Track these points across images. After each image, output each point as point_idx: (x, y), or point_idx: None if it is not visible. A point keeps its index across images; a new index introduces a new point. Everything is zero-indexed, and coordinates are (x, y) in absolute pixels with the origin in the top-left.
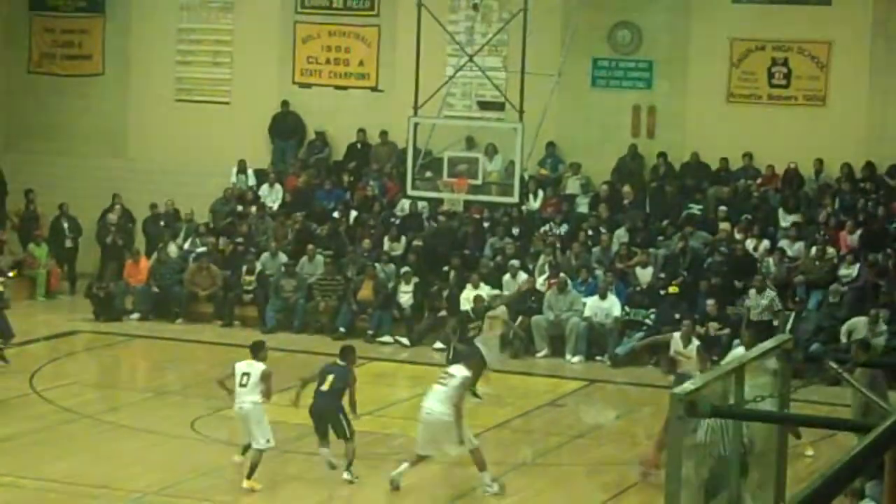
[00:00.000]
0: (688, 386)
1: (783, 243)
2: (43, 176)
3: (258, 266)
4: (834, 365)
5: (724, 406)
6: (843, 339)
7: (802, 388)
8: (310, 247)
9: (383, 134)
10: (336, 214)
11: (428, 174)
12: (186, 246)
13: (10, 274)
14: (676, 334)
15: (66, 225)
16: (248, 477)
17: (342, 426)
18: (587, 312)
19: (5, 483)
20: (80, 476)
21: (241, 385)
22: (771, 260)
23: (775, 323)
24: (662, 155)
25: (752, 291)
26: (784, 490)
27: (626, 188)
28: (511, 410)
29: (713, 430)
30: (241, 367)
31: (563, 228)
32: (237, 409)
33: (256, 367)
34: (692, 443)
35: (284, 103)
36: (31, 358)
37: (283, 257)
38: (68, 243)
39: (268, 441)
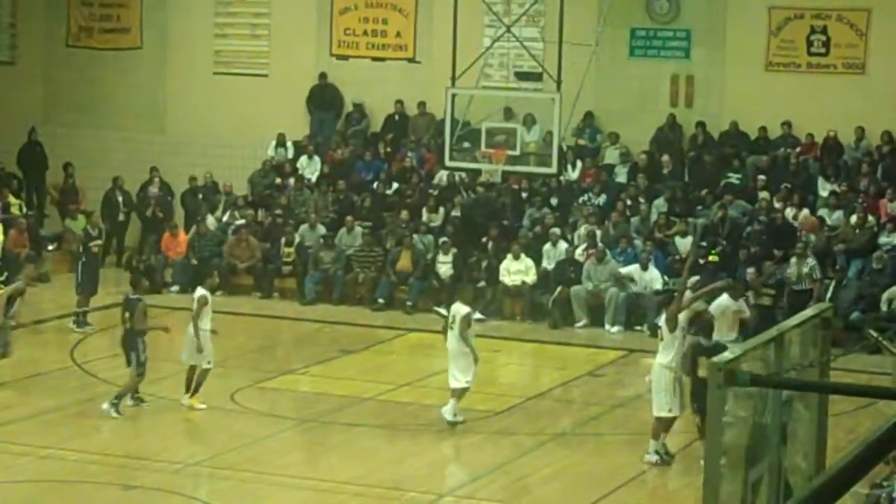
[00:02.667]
0: (727, 355)
1: (822, 212)
2: (82, 150)
3: (297, 238)
4: (874, 333)
5: (763, 375)
6: (884, 308)
7: (843, 356)
8: (349, 218)
9: (421, 105)
10: (375, 186)
11: (466, 145)
12: (225, 218)
13: (51, 248)
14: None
15: (119, 198)
16: (192, 395)
17: (129, 357)
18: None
19: (47, 455)
20: (120, 448)
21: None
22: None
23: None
24: (701, 124)
25: (794, 259)
26: (825, 458)
27: (665, 157)
28: (551, 380)
29: (755, 399)
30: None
31: (602, 199)
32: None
33: (197, 293)
34: (734, 412)
35: (322, 75)
36: (70, 331)
37: (321, 229)
38: (121, 216)
39: (209, 362)
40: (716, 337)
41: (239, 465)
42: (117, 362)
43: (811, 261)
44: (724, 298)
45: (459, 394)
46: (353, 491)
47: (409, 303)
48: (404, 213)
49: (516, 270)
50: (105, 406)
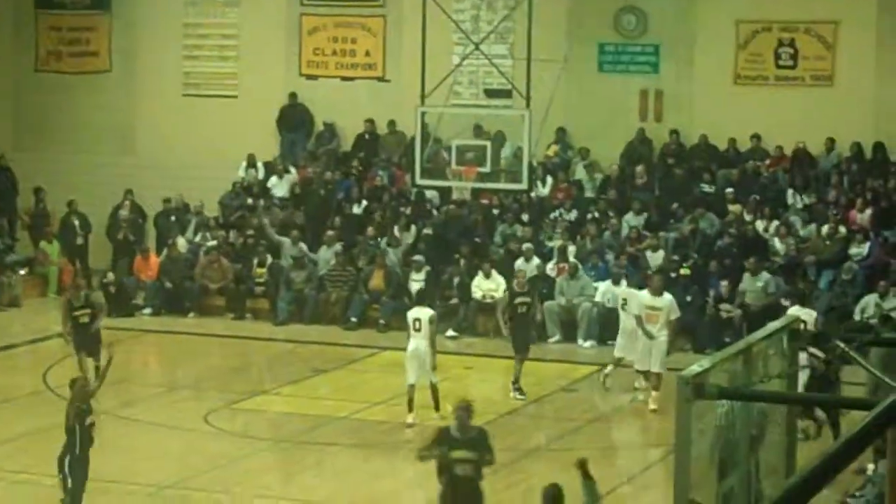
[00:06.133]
0: (695, 368)
1: (793, 222)
2: (53, 174)
3: (269, 259)
4: (841, 344)
5: (731, 388)
6: (857, 317)
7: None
8: (329, 233)
9: (391, 124)
10: (345, 205)
11: (436, 163)
12: (197, 239)
13: (22, 272)
14: (643, 291)
15: (76, 222)
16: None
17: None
18: (598, 297)
19: (22, 480)
20: (95, 471)
21: None
22: (777, 240)
23: (786, 303)
24: (675, 133)
25: (747, 275)
26: (794, 467)
27: (640, 168)
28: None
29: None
30: None
31: (573, 214)
32: None
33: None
34: (705, 424)
35: (292, 95)
36: (44, 355)
37: (303, 246)
38: (79, 240)
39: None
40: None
41: (213, 487)
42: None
43: (765, 275)
44: (643, 294)
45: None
46: None
47: (381, 321)
48: (372, 230)
49: (487, 289)
50: None
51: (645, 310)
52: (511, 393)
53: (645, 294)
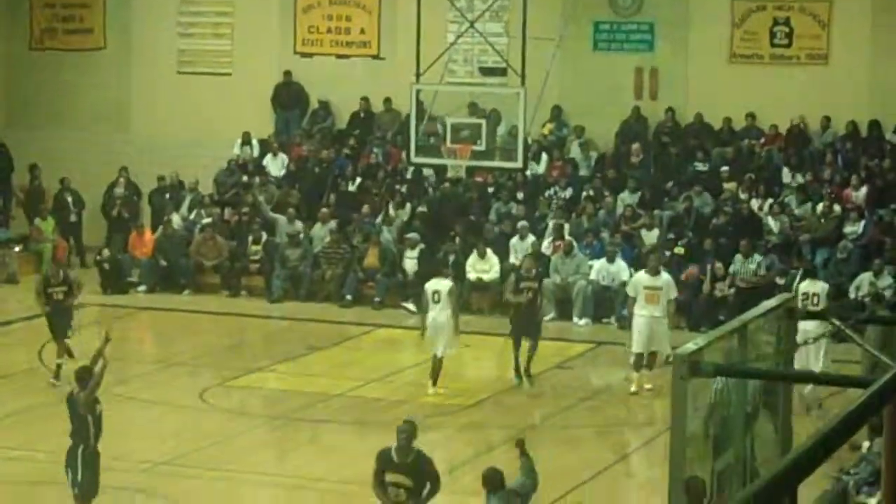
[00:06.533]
0: (690, 346)
1: (788, 201)
2: (47, 151)
3: (264, 236)
4: (836, 322)
5: (726, 365)
6: (852, 296)
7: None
8: (323, 210)
9: (386, 101)
10: (340, 183)
11: (431, 141)
12: (192, 217)
13: (17, 249)
14: (640, 273)
15: (69, 199)
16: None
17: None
18: (593, 275)
19: (18, 456)
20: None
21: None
22: (771, 219)
23: (780, 281)
24: (670, 111)
25: (738, 256)
26: (791, 444)
27: (635, 146)
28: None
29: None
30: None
31: (569, 192)
32: None
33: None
34: (701, 401)
35: (286, 73)
36: (38, 332)
37: (299, 225)
38: (72, 217)
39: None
40: (638, 311)
41: (208, 464)
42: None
43: (757, 256)
44: (640, 274)
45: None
46: (324, 487)
47: (376, 299)
48: (368, 209)
49: (481, 269)
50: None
51: (644, 291)
52: (520, 380)
53: (642, 275)
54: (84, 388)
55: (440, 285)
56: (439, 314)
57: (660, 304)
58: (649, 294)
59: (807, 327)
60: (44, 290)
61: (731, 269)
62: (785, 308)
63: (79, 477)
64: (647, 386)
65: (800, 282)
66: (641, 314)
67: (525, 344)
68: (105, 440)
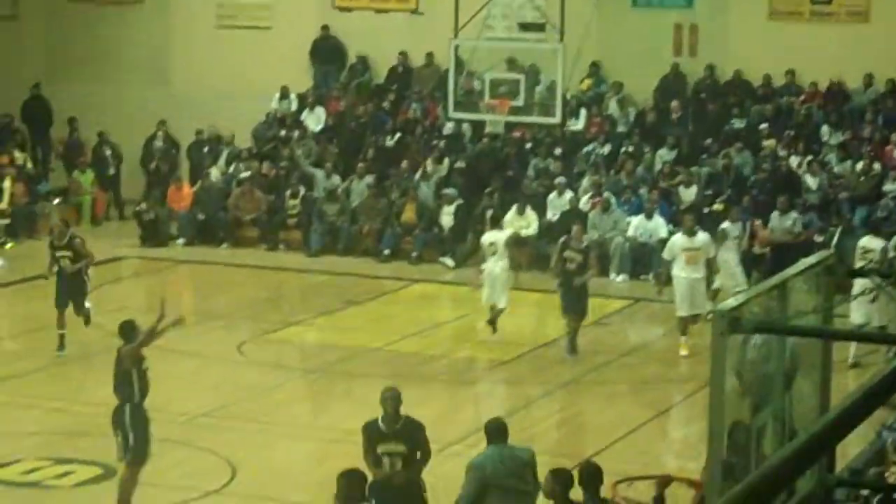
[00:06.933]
0: (730, 302)
1: (827, 159)
2: (86, 104)
3: (302, 190)
4: (877, 279)
5: (766, 322)
6: (891, 254)
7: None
8: (360, 165)
9: (429, 56)
10: (378, 138)
11: (469, 96)
12: (230, 171)
13: (56, 201)
14: (676, 235)
15: (107, 152)
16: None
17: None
18: (631, 231)
19: (57, 408)
20: None
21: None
22: (810, 177)
23: (819, 239)
24: (710, 68)
25: (776, 214)
26: (829, 402)
27: (674, 103)
28: (557, 330)
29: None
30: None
31: (607, 148)
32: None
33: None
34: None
35: (325, 28)
36: None
37: (336, 179)
38: (111, 170)
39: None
40: (677, 273)
41: (246, 416)
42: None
43: (794, 214)
44: (677, 236)
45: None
46: (359, 441)
47: (414, 254)
48: (403, 163)
49: (518, 226)
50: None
51: (682, 252)
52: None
53: (679, 237)
54: (129, 342)
55: (497, 237)
56: (495, 265)
57: (699, 264)
58: (688, 255)
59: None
60: (52, 254)
61: (769, 225)
62: (824, 266)
63: (130, 440)
64: (683, 352)
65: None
66: (681, 276)
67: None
68: None
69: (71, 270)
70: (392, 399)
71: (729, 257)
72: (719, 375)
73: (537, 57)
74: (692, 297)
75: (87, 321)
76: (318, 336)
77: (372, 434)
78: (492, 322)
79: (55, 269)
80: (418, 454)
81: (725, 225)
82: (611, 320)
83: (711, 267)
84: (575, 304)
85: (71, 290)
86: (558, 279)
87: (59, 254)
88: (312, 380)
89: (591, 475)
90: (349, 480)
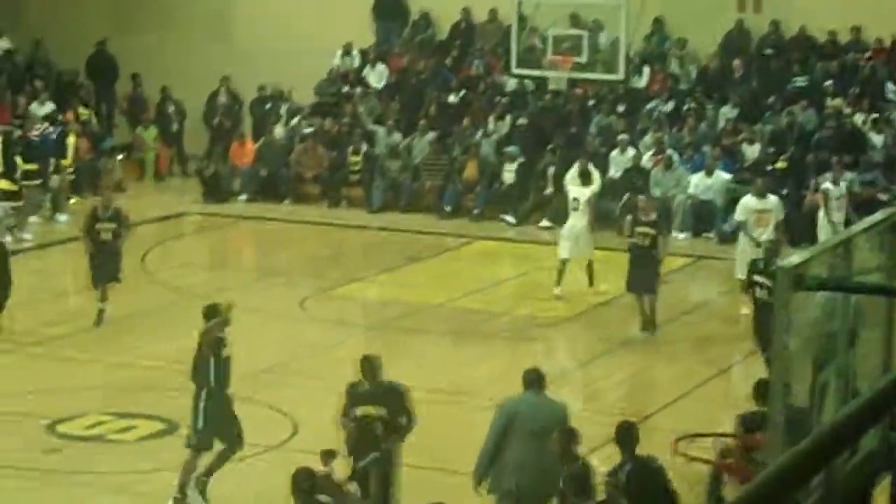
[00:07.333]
0: (795, 259)
1: (893, 117)
2: (151, 60)
3: (364, 146)
4: None
5: (831, 279)
6: None
7: None
8: (421, 122)
9: (492, 12)
10: (441, 95)
11: (532, 52)
12: (292, 126)
13: (119, 157)
14: (746, 196)
15: (171, 108)
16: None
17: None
18: (692, 189)
19: (119, 363)
20: (190, 355)
21: None
22: (875, 134)
23: (883, 197)
24: (774, 24)
25: (829, 175)
26: (892, 360)
27: (736, 61)
28: (618, 287)
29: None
30: None
31: (670, 105)
32: None
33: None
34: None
35: None
36: (141, 239)
37: (397, 136)
38: (174, 126)
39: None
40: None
41: (307, 373)
42: (188, 271)
43: (849, 174)
44: (748, 198)
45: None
46: (420, 397)
47: (475, 211)
48: (465, 120)
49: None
50: None
51: (752, 214)
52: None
53: (749, 198)
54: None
55: (581, 192)
56: (577, 220)
57: (769, 226)
58: (758, 217)
59: None
60: (91, 227)
61: (823, 187)
62: (891, 223)
63: (198, 424)
64: (745, 311)
65: None
66: (749, 238)
67: (645, 300)
68: None
69: (116, 246)
70: (370, 364)
71: (836, 218)
72: (783, 332)
73: (600, 13)
74: None
75: (105, 297)
76: (379, 292)
77: (353, 396)
78: (589, 277)
79: (93, 246)
80: (404, 420)
81: (827, 185)
82: (672, 278)
83: (780, 230)
84: (643, 281)
85: (109, 266)
86: (629, 254)
87: (100, 226)
88: (373, 336)
89: (625, 432)
90: (297, 476)
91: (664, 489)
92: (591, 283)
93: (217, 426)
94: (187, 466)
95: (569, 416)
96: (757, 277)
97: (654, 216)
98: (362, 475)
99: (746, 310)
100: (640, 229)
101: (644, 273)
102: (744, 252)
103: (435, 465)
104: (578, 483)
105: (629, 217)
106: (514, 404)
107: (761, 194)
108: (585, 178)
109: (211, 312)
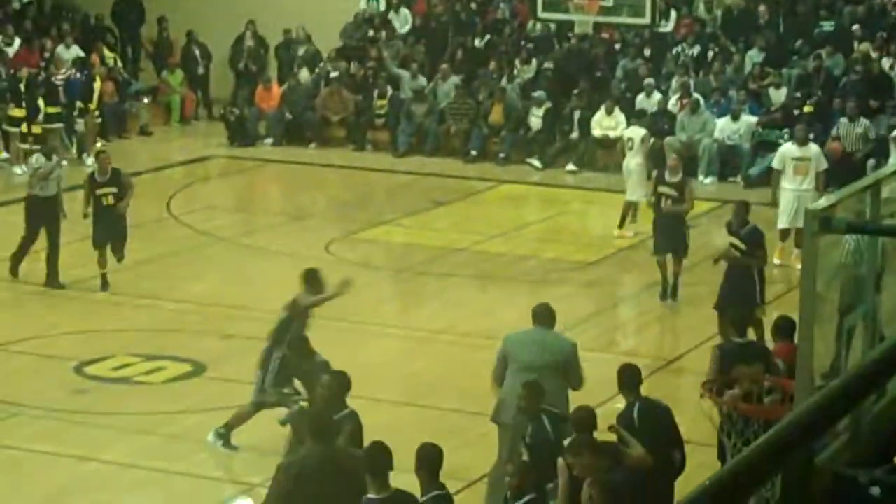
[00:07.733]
0: (822, 202)
1: None
2: (176, 4)
3: (390, 90)
4: None
5: (859, 221)
6: None
7: None
8: (444, 66)
9: None
10: (466, 38)
11: None
12: (318, 70)
13: (145, 100)
14: (786, 144)
15: (196, 52)
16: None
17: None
18: (717, 133)
19: (146, 304)
20: (217, 297)
21: None
22: None
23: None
24: None
25: (844, 120)
26: None
27: (763, 6)
28: (644, 231)
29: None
30: None
31: (696, 50)
32: None
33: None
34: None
35: None
36: (167, 182)
37: (422, 80)
38: (200, 70)
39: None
40: (785, 184)
41: (334, 315)
42: (213, 213)
43: (865, 121)
44: (787, 146)
45: (635, 207)
46: (447, 340)
47: (501, 154)
48: (491, 64)
49: (607, 126)
50: None
51: (792, 162)
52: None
53: (789, 146)
54: (308, 290)
55: (634, 133)
56: (631, 160)
57: (808, 175)
58: (798, 165)
59: None
60: (91, 193)
61: (834, 132)
62: None
63: (265, 384)
64: (776, 261)
65: None
66: (789, 187)
67: (670, 263)
68: (233, 289)
69: (121, 211)
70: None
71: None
72: (810, 275)
73: None
74: (797, 209)
75: (121, 260)
76: (405, 236)
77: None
78: (624, 217)
79: (89, 208)
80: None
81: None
82: (698, 222)
83: (819, 180)
84: (670, 241)
85: (113, 230)
86: (654, 215)
87: (101, 191)
88: (400, 279)
89: (629, 375)
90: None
91: (673, 427)
92: (621, 224)
93: (281, 390)
94: (238, 412)
95: (575, 354)
96: (662, 188)
97: (679, 176)
98: None
99: (777, 260)
100: (662, 189)
101: (672, 233)
102: (785, 201)
103: (463, 408)
104: (584, 423)
105: (654, 176)
106: (513, 339)
107: (802, 142)
108: (638, 123)
109: (311, 279)
